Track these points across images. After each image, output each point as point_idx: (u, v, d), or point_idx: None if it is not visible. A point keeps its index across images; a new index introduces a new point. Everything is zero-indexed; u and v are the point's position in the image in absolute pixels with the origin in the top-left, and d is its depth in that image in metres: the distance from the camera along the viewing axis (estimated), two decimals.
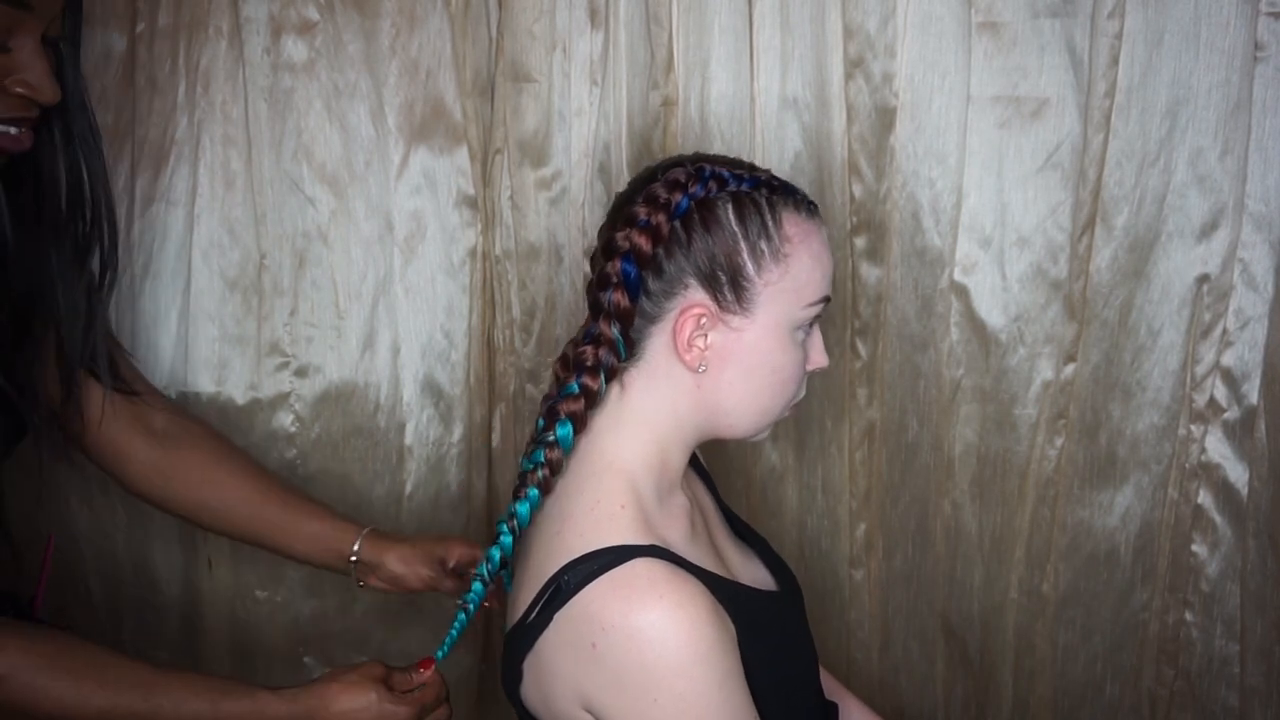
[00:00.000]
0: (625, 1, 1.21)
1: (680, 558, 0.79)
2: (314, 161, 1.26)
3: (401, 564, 1.05)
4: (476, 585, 0.88)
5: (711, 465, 1.07)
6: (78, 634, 0.89)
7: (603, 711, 0.75)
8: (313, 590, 1.37)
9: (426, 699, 0.93)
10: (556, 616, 0.76)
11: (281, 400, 1.31)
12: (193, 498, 1.07)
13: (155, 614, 1.37)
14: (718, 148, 1.21)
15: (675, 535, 0.83)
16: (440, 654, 0.95)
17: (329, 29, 1.24)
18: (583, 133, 1.25)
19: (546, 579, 0.78)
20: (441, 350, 1.32)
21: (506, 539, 0.84)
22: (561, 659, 0.76)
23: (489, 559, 0.86)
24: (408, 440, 1.33)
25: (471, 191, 1.28)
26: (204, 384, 1.30)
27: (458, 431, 1.34)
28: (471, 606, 0.90)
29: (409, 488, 1.34)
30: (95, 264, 0.95)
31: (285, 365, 1.31)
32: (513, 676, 0.81)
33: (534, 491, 0.83)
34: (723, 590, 0.79)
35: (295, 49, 1.24)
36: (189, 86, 1.25)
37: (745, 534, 0.99)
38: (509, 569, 0.89)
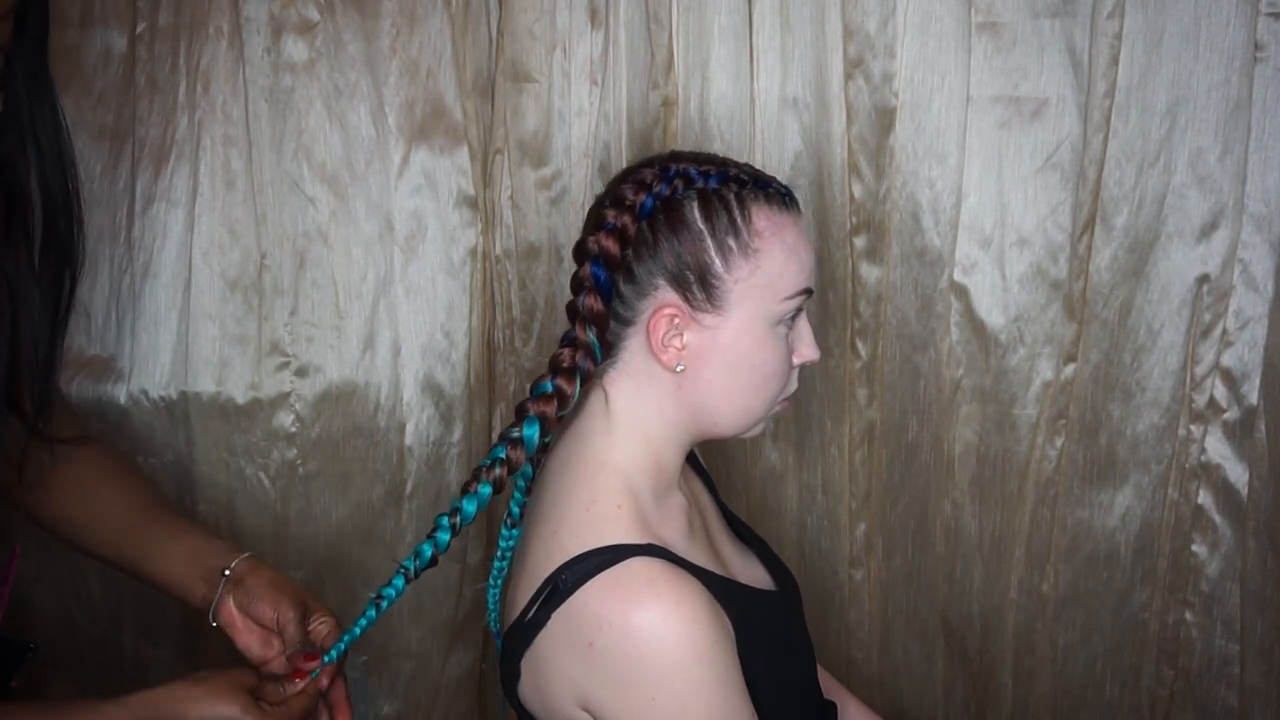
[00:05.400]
0: (625, 1, 1.21)
1: (678, 556, 0.79)
2: (314, 161, 1.27)
3: (273, 588, 0.92)
4: (398, 580, 0.80)
5: (711, 465, 1.07)
6: None
7: (600, 709, 0.75)
8: (312, 591, 1.37)
9: (295, 709, 0.83)
10: (554, 615, 0.76)
11: (282, 400, 1.31)
12: (65, 511, 0.96)
13: (155, 614, 1.37)
14: (718, 148, 1.21)
15: (673, 534, 0.83)
16: (327, 658, 0.86)
17: (329, 29, 1.24)
18: (583, 133, 1.25)
19: (544, 578, 0.78)
20: (442, 350, 1.32)
21: (444, 535, 0.78)
22: (559, 657, 0.76)
23: (418, 554, 0.79)
24: (408, 440, 1.33)
25: (471, 191, 1.28)
26: (204, 384, 1.29)
27: (458, 431, 1.34)
28: (385, 603, 0.82)
29: (409, 488, 1.34)
30: (66, 282, 0.88)
31: (285, 365, 1.31)
32: (510, 675, 0.81)
33: (485, 488, 0.78)
34: (720, 589, 0.79)
35: (295, 49, 1.24)
36: (189, 86, 1.25)
37: (744, 534, 0.99)
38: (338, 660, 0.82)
